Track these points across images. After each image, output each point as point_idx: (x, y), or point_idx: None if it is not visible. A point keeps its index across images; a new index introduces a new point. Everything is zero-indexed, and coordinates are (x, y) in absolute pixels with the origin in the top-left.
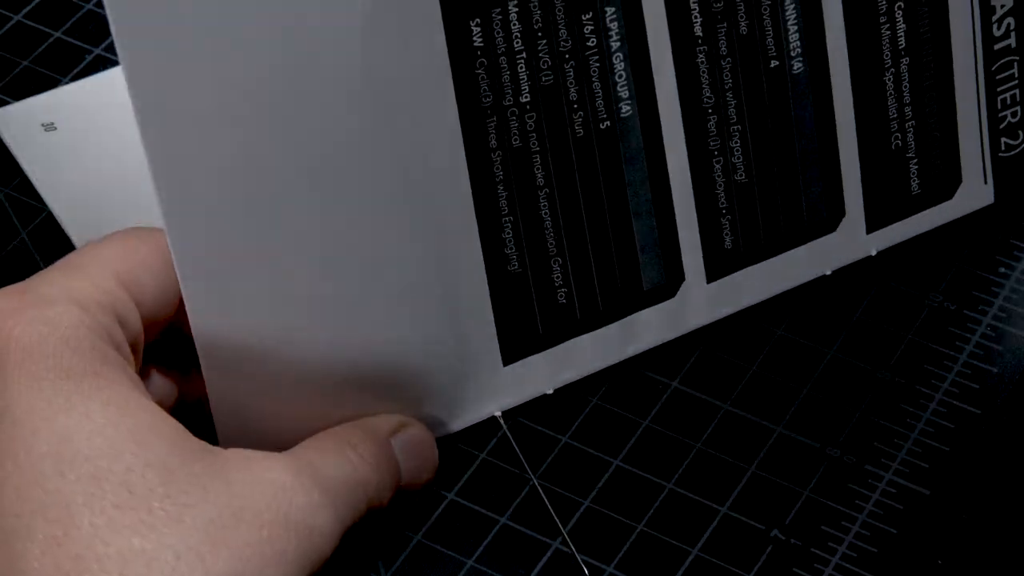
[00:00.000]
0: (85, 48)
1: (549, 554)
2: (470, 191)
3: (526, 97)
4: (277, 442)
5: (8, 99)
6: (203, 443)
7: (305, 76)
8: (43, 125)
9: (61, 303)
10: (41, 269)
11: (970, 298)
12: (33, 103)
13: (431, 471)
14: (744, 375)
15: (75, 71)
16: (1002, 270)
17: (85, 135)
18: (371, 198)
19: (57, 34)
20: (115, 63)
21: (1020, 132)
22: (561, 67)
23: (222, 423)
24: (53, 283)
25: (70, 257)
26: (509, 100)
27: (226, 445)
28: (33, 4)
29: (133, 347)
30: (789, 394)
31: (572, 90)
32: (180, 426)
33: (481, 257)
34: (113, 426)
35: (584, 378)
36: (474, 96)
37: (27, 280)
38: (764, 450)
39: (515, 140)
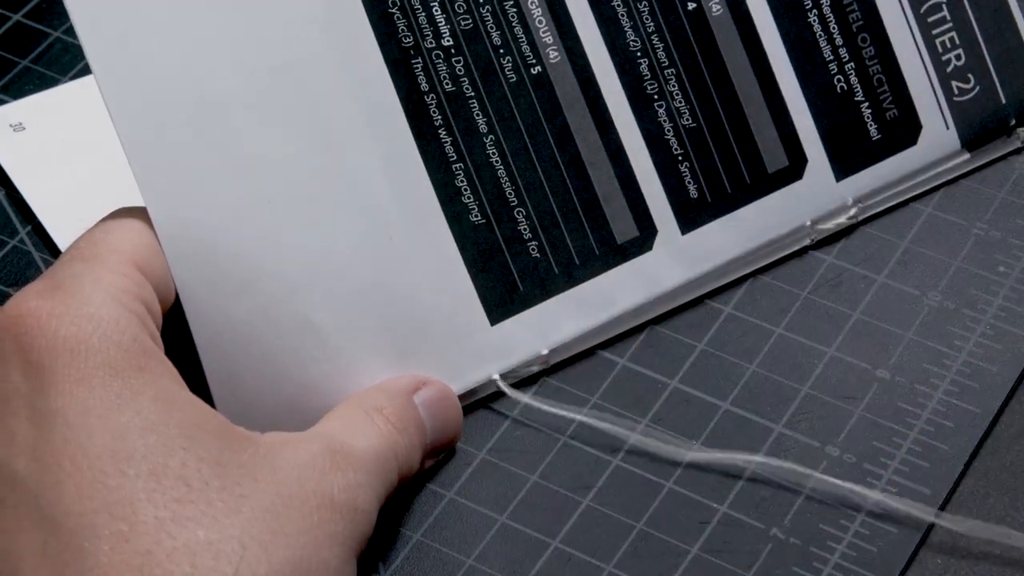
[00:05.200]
0: None
1: (548, 553)
2: (410, 132)
3: (448, 41)
4: (280, 416)
5: (7, 99)
6: (242, 430)
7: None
8: (11, 126)
9: (98, 298)
10: (41, 269)
11: (970, 297)
12: (3, 108)
13: (456, 428)
14: (744, 373)
15: (74, 71)
16: (1002, 269)
17: (51, 133)
18: (318, 134)
19: (56, 34)
20: None
21: (970, 76)
22: (478, 12)
23: (220, 396)
24: (82, 277)
25: (82, 247)
26: (431, 43)
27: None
28: (33, 4)
29: (157, 330)
30: (788, 392)
31: (494, 35)
32: (221, 416)
33: (439, 206)
34: (163, 423)
35: (582, 377)
36: (393, 36)
37: (51, 274)
38: (763, 448)
39: (447, 83)
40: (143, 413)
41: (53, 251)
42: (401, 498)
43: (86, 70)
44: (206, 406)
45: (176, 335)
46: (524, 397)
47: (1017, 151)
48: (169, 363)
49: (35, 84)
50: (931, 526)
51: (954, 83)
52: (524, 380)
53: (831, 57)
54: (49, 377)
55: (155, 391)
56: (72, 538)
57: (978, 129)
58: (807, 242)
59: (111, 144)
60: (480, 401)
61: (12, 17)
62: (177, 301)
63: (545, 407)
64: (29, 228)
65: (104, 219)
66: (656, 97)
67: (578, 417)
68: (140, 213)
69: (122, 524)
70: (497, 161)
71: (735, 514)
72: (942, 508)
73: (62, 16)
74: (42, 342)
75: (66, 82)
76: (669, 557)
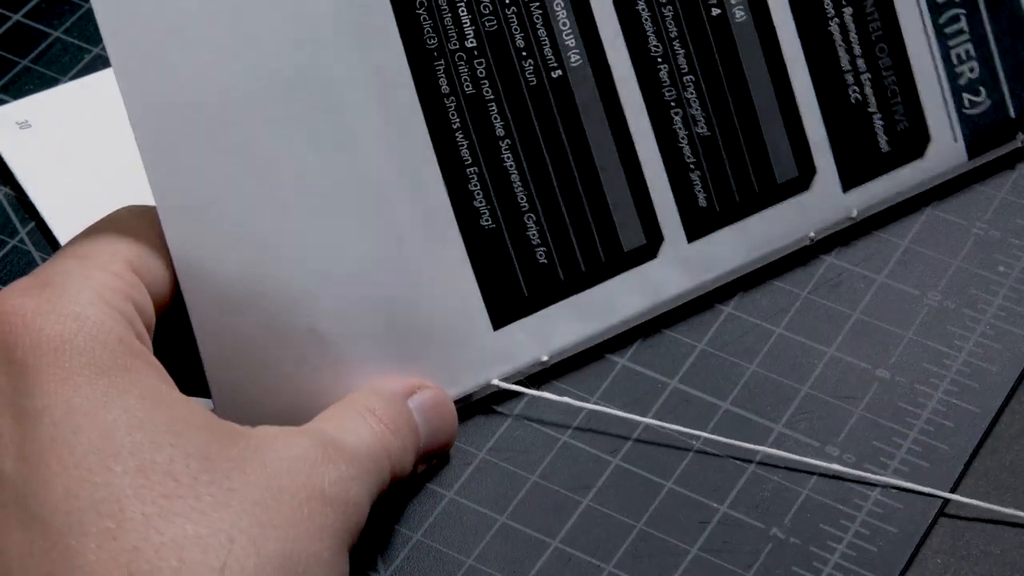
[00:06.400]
0: (85, 48)
1: (548, 553)
2: (428, 135)
3: (472, 42)
4: (279, 416)
5: (7, 98)
6: (232, 425)
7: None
8: (18, 123)
9: (85, 297)
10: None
11: (969, 297)
12: (10, 106)
13: (451, 433)
14: (743, 373)
15: (75, 71)
16: (1002, 269)
17: (57, 132)
18: (330, 133)
19: (57, 33)
20: None
21: (981, 89)
22: (503, 13)
23: (222, 405)
24: (71, 274)
25: (77, 244)
26: (455, 44)
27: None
28: (33, 4)
29: (147, 331)
30: (788, 392)
31: (518, 37)
32: (209, 412)
33: (451, 210)
34: (150, 420)
35: (582, 377)
36: (418, 37)
37: (41, 270)
38: (763, 448)
39: (467, 86)
40: (130, 411)
41: (56, 250)
42: (401, 498)
43: (86, 70)
44: (194, 403)
45: (175, 336)
46: (530, 391)
47: (1018, 152)
48: (157, 363)
49: (35, 84)
50: (932, 524)
51: (965, 95)
52: (524, 380)
53: (848, 67)
54: (33, 376)
55: (141, 389)
56: (60, 537)
57: (984, 142)
58: (807, 242)
59: (117, 143)
60: (480, 402)
61: (12, 17)
62: (178, 302)
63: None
64: (29, 228)
65: (104, 217)
66: (673, 104)
67: (587, 406)
68: (141, 212)
69: (109, 521)
70: (511, 166)
71: (735, 514)
72: (941, 510)
73: (62, 16)
74: (26, 340)
75: (66, 82)
76: (669, 557)
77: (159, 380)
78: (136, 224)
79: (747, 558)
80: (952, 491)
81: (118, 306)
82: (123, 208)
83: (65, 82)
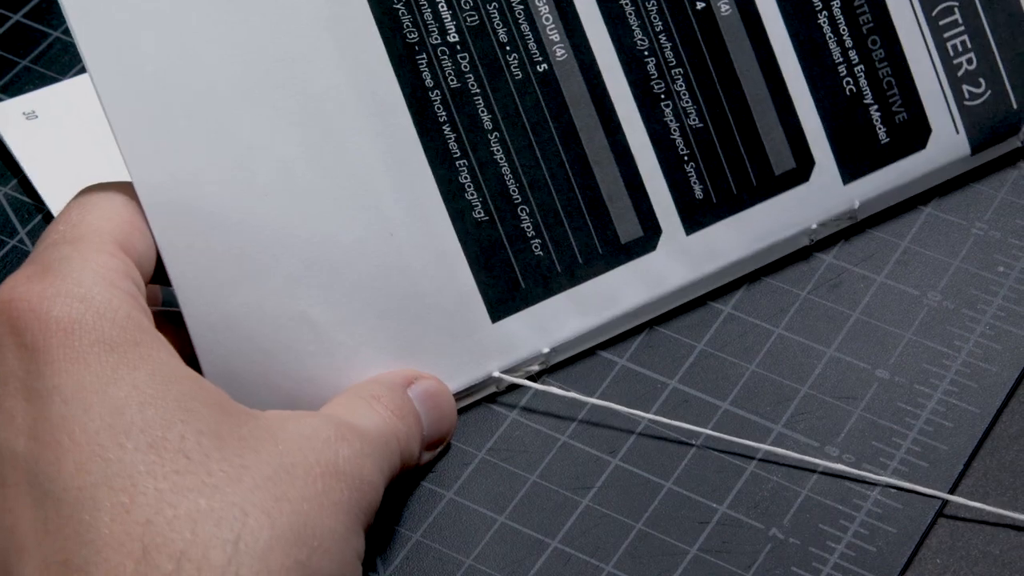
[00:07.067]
0: None
1: (548, 553)
2: (414, 128)
3: (454, 37)
4: (275, 403)
5: (7, 98)
6: (242, 406)
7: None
8: (24, 114)
9: (88, 279)
10: None
11: (969, 297)
12: (17, 98)
13: (450, 423)
14: (743, 374)
15: (74, 70)
16: (1001, 269)
17: (63, 122)
18: (316, 124)
19: (57, 34)
20: None
21: (981, 80)
22: (484, 8)
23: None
24: (70, 259)
25: (63, 229)
26: (436, 39)
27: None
28: (33, 4)
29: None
30: (788, 392)
31: (500, 31)
32: (219, 390)
33: (442, 202)
34: (161, 396)
35: (582, 377)
36: (398, 30)
37: (37, 258)
38: (763, 449)
39: (452, 80)
40: (140, 387)
41: None
42: (401, 498)
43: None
44: (204, 379)
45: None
46: (533, 385)
47: (1017, 151)
48: (163, 338)
49: (35, 84)
50: (932, 525)
51: (965, 87)
52: (527, 376)
53: (840, 59)
54: (44, 357)
55: (152, 365)
56: (73, 512)
57: (988, 133)
58: (807, 242)
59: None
60: (480, 400)
61: (12, 17)
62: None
63: (554, 391)
64: (29, 228)
65: (78, 198)
66: (663, 96)
67: (591, 400)
68: (113, 189)
69: (122, 496)
70: (501, 158)
71: (734, 514)
72: (940, 510)
73: (62, 16)
74: (35, 324)
75: (65, 81)
76: (668, 557)
77: (168, 354)
78: (112, 202)
79: (747, 558)
80: (951, 491)
81: (121, 285)
82: (92, 188)
83: (64, 82)
